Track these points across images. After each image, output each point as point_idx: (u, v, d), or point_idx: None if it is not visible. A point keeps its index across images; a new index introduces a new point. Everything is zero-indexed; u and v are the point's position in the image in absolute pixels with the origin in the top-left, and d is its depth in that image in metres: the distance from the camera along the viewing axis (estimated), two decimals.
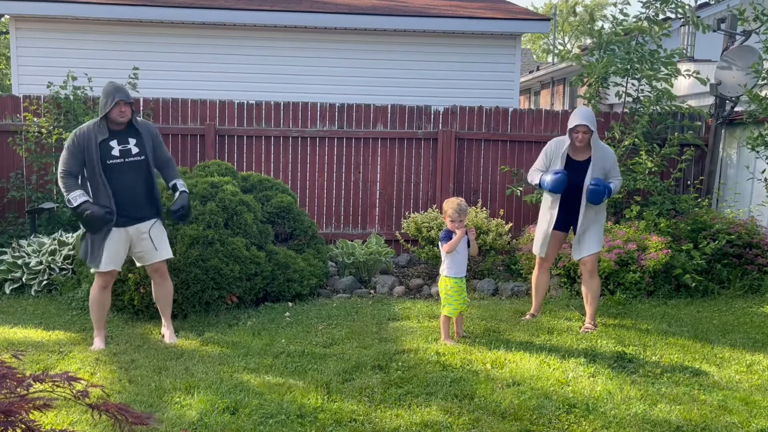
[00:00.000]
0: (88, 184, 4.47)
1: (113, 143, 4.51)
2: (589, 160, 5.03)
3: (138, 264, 4.84)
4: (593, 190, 4.92)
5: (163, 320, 4.87)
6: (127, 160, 4.53)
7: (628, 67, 7.09)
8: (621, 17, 7.35)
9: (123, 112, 4.49)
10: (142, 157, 4.59)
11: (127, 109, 4.52)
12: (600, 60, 7.29)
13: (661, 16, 7.42)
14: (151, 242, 4.64)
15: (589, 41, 7.63)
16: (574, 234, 5.22)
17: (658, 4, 7.24)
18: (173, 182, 4.81)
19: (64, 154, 4.50)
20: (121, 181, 4.51)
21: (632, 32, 7.35)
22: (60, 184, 4.50)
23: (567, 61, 7.80)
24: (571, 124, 5.01)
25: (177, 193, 4.79)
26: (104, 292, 4.64)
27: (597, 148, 5.05)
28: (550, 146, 5.18)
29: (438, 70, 9.85)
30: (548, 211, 5.23)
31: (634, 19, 7.33)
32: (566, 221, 5.23)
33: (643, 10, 7.30)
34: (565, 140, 5.10)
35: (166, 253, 4.74)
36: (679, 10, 7.27)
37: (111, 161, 4.49)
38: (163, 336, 4.80)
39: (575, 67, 7.74)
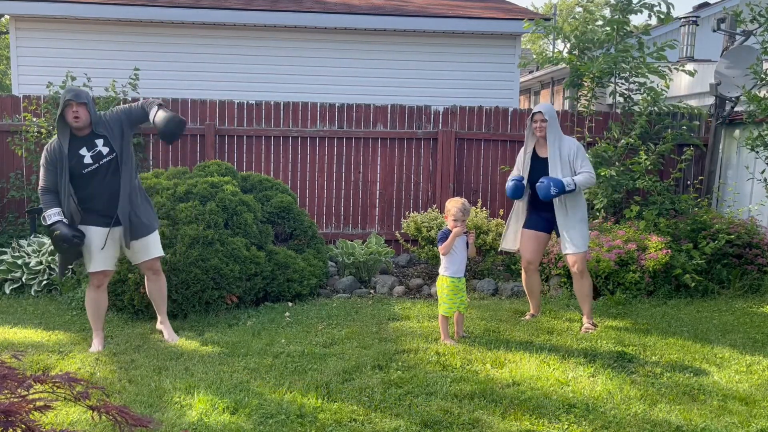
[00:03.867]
0: (65, 192, 4.41)
1: (83, 151, 4.42)
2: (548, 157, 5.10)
3: (132, 263, 4.83)
4: (538, 186, 4.94)
5: (158, 317, 4.87)
6: (101, 162, 4.45)
7: (613, 65, 7.09)
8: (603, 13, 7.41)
9: (76, 113, 4.35)
10: (114, 154, 4.48)
11: (80, 110, 4.35)
12: (591, 60, 7.29)
13: (638, 17, 7.49)
14: (141, 241, 4.60)
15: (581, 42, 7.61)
16: (556, 234, 5.26)
17: (621, 6, 7.25)
18: (151, 110, 4.49)
19: (41, 171, 4.47)
20: (100, 186, 4.45)
21: (611, 34, 7.35)
22: (40, 200, 4.48)
23: (561, 63, 7.81)
24: (530, 114, 5.19)
25: (152, 116, 4.44)
26: (99, 291, 4.62)
27: (554, 139, 5.04)
28: (520, 152, 5.32)
29: (438, 70, 9.85)
30: (517, 206, 5.35)
31: (609, 21, 7.33)
32: (546, 220, 5.21)
33: (611, 13, 7.32)
34: (529, 143, 5.21)
35: (157, 251, 4.72)
36: (654, 9, 7.27)
37: (86, 170, 4.42)
38: (162, 334, 4.79)
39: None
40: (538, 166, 5.13)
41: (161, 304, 4.85)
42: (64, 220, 4.40)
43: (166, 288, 4.88)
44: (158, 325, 4.86)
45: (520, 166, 5.27)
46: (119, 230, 4.55)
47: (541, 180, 4.95)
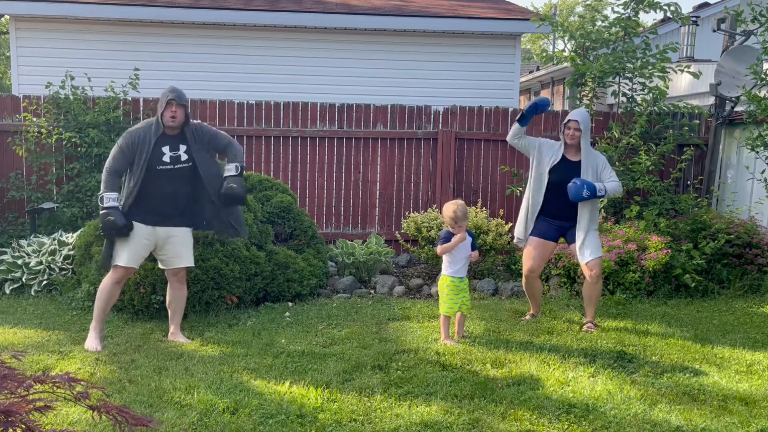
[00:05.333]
0: (133, 183, 4.50)
1: (165, 149, 4.54)
2: (581, 162, 5.11)
3: (160, 266, 4.85)
4: (570, 186, 4.92)
5: (171, 327, 4.83)
6: (176, 166, 4.57)
7: (617, 65, 7.09)
8: (608, 15, 7.42)
9: (174, 113, 4.50)
10: (190, 164, 4.61)
11: (179, 111, 4.51)
12: (596, 60, 7.30)
13: (642, 15, 7.53)
14: (176, 249, 4.68)
15: (587, 43, 7.61)
16: (566, 241, 5.25)
17: (633, 4, 7.26)
18: (229, 165, 4.73)
19: (114, 150, 4.55)
20: (167, 187, 4.56)
21: (618, 33, 7.37)
22: (102, 178, 4.55)
23: (563, 62, 7.83)
24: (565, 119, 5.16)
25: (225, 180, 4.67)
26: (116, 286, 4.63)
27: (586, 149, 5.11)
28: (546, 140, 5.29)
29: (438, 70, 9.84)
30: (533, 196, 5.22)
31: (617, 19, 7.34)
32: (558, 228, 5.20)
33: (623, 11, 7.33)
34: (560, 142, 5.21)
35: (189, 260, 4.77)
36: (663, 7, 7.27)
37: (161, 167, 4.53)
38: (167, 336, 4.77)
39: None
40: (569, 168, 5.08)
41: (178, 314, 4.83)
42: (120, 208, 4.48)
43: (185, 299, 4.88)
44: (170, 337, 4.79)
45: (534, 147, 5.21)
46: (163, 231, 4.61)
47: (574, 180, 4.93)
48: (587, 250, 5.04)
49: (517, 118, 5.24)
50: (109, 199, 4.46)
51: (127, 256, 4.54)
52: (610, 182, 5.06)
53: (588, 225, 5.07)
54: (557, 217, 5.17)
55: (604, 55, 7.16)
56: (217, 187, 4.67)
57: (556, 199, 5.12)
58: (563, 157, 5.13)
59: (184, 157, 4.59)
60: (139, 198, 4.54)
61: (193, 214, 4.76)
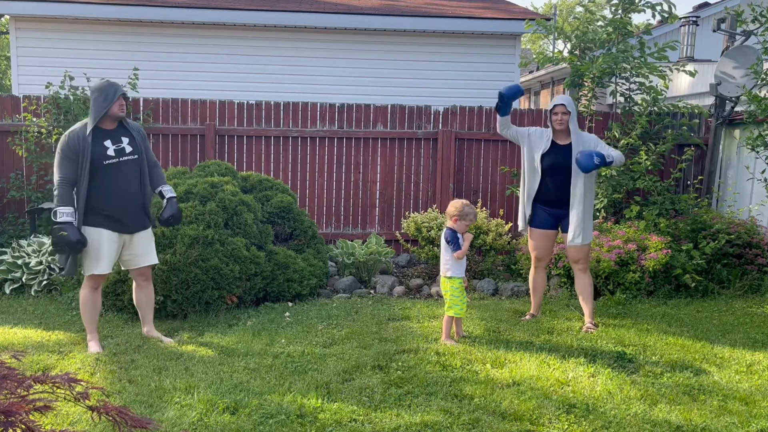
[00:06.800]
0: (83, 184, 4.36)
1: (107, 143, 4.44)
2: (572, 144, 5.11)
3: (123, 267, 4.82)
4: (579, 157, 4.84)
5: (145, 326, 4.84)
6: (122, 159, 4.47)
7: (614, 65, 7.09)
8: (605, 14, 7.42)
9: (122, 106, 4.48)
10: (136, 156, 4.54)
11: (124, 104, 4.51)
12: (593, 60, 7.29)
13: (638, 17, 7.49)
14: (141, 247, 4.64)
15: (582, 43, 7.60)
16: (561, 230, 5.24)
17: (624, 4, 7.26)
18: (159, 189, 4.73)
19: (57, 159, 4.38)
20: (118, 182, 4.46)
21: (611, 35, 7.37)
22: (55, 191, 4.38)
23: (561, 63, 7.82)
24: (549, 105, 5.17)
25: (165, 201, 4.73)
26: (96, 293, 4.60)
27: (576, 132, 5.11)
28: (535, 129, 5.27)
29: (438, 70, 9.85)
30: (528, 183, 5.24)
31: (611, 21, 7.34)
32: (555, 216, 5.21)
33: (614, 12, 7.33)
34: (548, 130, 5.21)
35: (153, 258, 4.73)
36: (655, 6, 7.27)
37: (107, 161, 4.42)
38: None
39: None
40: (560, 153, 5.08)
41: (149, 311, 4.84)
42: (75, 223, 4.34)
43: (153, 296, 4.88)
44: (146, 334, 4.80)
45: (525, 135, 5.21)
46: (127, 233, 4.58)
47: (580, 151, 4.89)
48: (577, 235, 5.03)
49: (495, 108, 5.23)
50: (63, 213, 4.29)
51: (103, 264, 4.47)
52: (612, 152, 5.01)
53: (582, 209, 5.03)
54: (553, 204, 5.17)
55: (603, 56, 7.15)
56: (160, 180, 4.73)
57: (550, 184, 5.13)
58: (553, 143, 5.15)
59: (128, 149, 4.50)
60: (94, 200, 4.40)
61: (146, 206, 4.66)
